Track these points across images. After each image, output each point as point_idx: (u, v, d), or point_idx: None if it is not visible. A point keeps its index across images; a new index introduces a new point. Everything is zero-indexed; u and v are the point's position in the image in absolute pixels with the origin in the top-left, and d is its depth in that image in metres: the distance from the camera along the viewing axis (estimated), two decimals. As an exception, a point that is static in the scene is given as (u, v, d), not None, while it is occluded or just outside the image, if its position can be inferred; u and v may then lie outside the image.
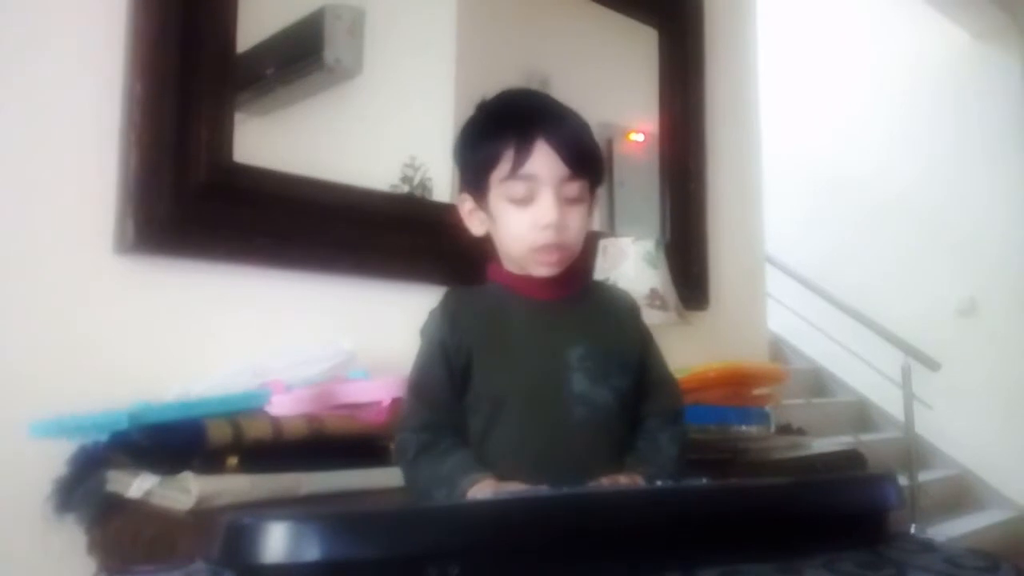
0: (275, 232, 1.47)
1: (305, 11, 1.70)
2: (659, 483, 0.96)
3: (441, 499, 0.94)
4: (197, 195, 1.38)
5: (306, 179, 1.53)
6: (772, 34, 3.29)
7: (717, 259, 2.39)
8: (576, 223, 1.03)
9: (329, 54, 1.71)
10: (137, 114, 1.33)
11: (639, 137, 2.33)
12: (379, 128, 1.76)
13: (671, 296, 1.84)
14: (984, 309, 4.11)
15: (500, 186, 1.02)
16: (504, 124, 1.02)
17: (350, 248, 1.57)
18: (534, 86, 1.85)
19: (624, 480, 0.97)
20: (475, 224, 1.08)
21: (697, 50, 2.40)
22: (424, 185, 1.75)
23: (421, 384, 1.04)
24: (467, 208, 1.08)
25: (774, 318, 3.26)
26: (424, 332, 1.07)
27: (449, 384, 1.02)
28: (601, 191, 1.12)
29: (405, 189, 1.73)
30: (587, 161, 1.03)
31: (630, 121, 2.32)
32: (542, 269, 1.04)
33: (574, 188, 1.02)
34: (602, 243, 1.85)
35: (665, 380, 1.13)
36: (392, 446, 1.21)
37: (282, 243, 1.48)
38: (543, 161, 0.99)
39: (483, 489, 0.93)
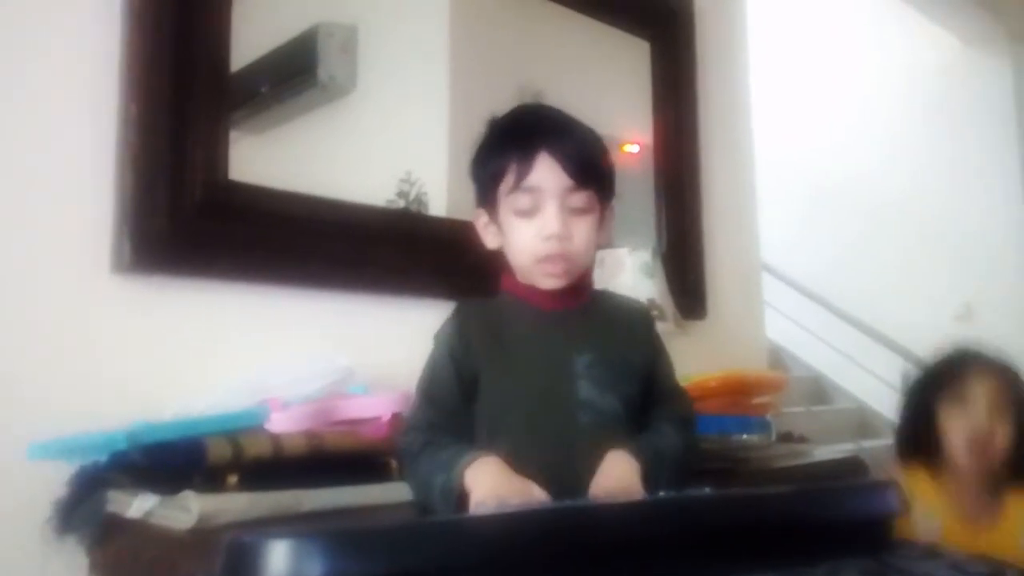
0: (272, 249, 1.47)
1: (298, 29, 1.71)
2: (662, 494, 0.97)
3: (442, 512, 0.94)
4: (193, 214, 1.38)
5: (302, 196, 1.53)
6: (765, 42, 3.31)
7: (714, 268, 2.39)
8: (582, 234, 1.04)
9: (323, 71, 1.71)
10: (132, 134, 1.33)
11: (633, 148, 2.33)
12: (374, 144, 1.77)
13: (668, 306, 1.85)
14: (980, 314, 4.11)
15: (507, 199, 1.04)
16: (509, 138, 1.05)
17: (347, 264, 1.56)
18: (527, 100, 1.86)
19: (623, 468, 0.97)
20: (488, 238, 1.11)
21: (689, 61, 2.41)
22: (420, 200, 1.75)
23: (430, 386, 1.06)
24: (482, 222, 1.11)
25: (773, 326, 3.26)
26: (436, 338, 1.09)
27: (458, 389, 1.04)
28: (614, 204, 1.12)
29: (401, 204, 1.73)
30: (591, 171, 1.04)
31: (624, 133, 2.32)
32: (548, 281, 1.05)
33: (580, 198, 1.03)
34: (599, 254, 1.84)
35: (675, 390, 1.14)
36: (393, 461, 1.21)
37: (279, 260, 1.48)
38: (546, 172, 1.01)
39: (484, 463, 0.94)
